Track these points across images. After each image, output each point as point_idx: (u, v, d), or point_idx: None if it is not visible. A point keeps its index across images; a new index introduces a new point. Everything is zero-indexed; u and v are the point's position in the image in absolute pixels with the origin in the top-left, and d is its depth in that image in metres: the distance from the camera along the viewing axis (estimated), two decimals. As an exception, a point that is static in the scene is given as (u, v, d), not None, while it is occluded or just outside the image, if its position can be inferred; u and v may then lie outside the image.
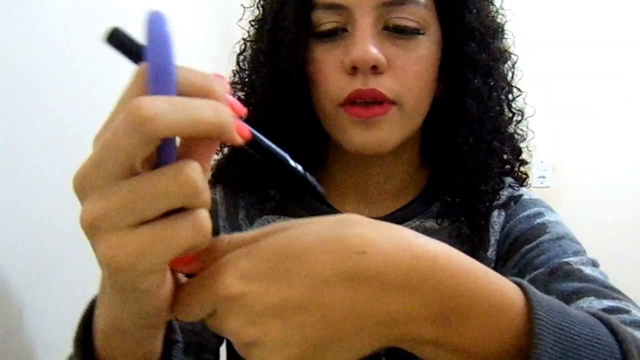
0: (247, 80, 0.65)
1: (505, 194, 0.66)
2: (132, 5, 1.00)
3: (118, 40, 0.29)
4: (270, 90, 0.61)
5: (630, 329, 0.37)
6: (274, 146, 0.32)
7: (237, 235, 0.33)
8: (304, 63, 0.58)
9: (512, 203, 0.66)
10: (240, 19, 0.67)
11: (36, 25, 0.71)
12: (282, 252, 0.30)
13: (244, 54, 0.67)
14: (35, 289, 0.66)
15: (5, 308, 0.62)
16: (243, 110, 0.31)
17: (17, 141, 0.65)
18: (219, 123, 0.27)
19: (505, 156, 0.64)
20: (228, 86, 0.31)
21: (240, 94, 0.66)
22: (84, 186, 0.27)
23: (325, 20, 0.57)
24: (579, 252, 0.57)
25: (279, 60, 0.59)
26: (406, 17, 0.56)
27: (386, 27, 0.56)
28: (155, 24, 0.27)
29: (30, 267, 0.65)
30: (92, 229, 0.27)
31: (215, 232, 0.66)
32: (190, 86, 0.28)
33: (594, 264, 0.55)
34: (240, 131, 0.29)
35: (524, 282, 0.34)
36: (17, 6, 0.68)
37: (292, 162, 0.33)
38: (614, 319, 0.34)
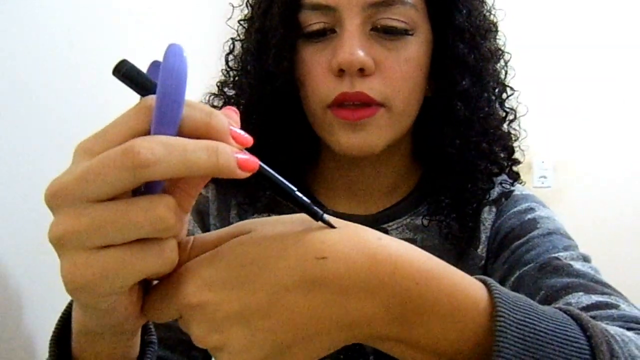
0: (236, 79, 0.65)
1: (496, 190, 0.66)
2: (132, 6, 1.01)
3: (125, 73, 0.30)
4: (259, 91, 0.61)
5: (616, 324, 0.37)
6: (280, 177, 0.32)
7: (201, 237, 0.34)
8: (292, 64, 0.58)
9: (503, 199, 0.65)
10: (229, 18, 0.67)
11: (36, 26, 0.72)
12: (243, 259, 0.31)
13: (233, 53, 0.67)
14: (35, 288, 0.67)
15: (5, 307, 0.63)
16: (249, 141, 0.30)
17: (17, 141, 0.66)
18: (214, 166, 0.28)
19: (495, 156, 0.64)
20: (237, 117, 0.31)
21: (231, 93, 0.66)
22: (58, 199, 0.27)
23: (313, 21, 0.57)
24: (570, 247, 0.57)
25: (267, 61, 0.59)
26: (395, 17, 0.56)
27: (374, 28, 0.56)
28: (173, 58, 0.27)
29: (30, 267, 0.66)
30: (59, 244, 0.28)
31: (206, 230, 0.67)
32: (192, 123, 0.28)
33: (585, 259, 0.55)
34: (245, 165, 0.29)
35: (489, 279, 0.34)
36: (17, 6, 0.69)
37: (298, 193, 0.32)
38: (584, 314, 0.34)
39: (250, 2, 0.65)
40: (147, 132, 0.28)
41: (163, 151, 0.26)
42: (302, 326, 0.31)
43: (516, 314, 0.31)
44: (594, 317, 0.35)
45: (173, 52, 0.28)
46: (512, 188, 0.67)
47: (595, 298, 0.46)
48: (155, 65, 0.31)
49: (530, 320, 0.31)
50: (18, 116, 0.67)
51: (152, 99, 0.28)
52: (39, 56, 0.72)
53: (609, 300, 0.46)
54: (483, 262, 0.64)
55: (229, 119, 0.31)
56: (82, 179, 0.27)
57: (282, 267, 0.31)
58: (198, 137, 0.28)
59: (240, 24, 0.66)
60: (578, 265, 0.53)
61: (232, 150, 0.28)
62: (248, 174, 0.29)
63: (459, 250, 0.64)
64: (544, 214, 0.62)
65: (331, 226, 0.33)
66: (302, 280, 0.30)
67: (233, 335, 0.30)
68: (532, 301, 0.34)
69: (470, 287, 0.33)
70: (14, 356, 0.64)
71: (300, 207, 0.33)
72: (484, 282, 0.34)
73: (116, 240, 0.27)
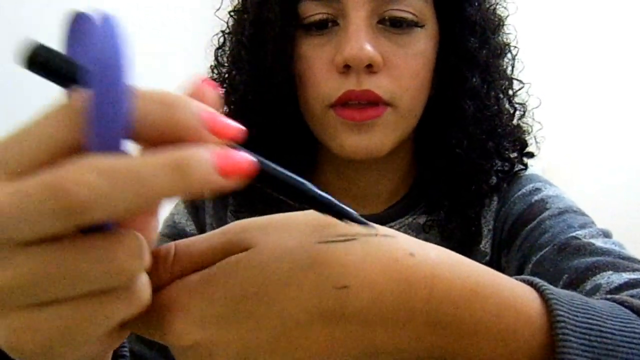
0: (227, 76, 0.61)
1: (494, 178, 0.61)
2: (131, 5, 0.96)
3: (44, 63, 0.20)
4: (253, 88, 0.56)
5: None
6: (289, 174, 0.25)
7: (184, 245, 0.27)
8: (291, 60, 0.54)
9: (504, 185, 0.61)
10: (218, 9, 0.62)
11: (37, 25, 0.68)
12: (243, 290, 0.25)
13: (223, 47, 0.62)
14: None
15: None
16: (238, 132, 0.22)
17: None
18: (184, 189, 0.20)
19: (504, 153, 0.61)
20: (214, 94, 0.23)
21: (220, 91, 0.61)
22: None
23: (315, 12, 0.52)
24: (587, 224, 0.52)
25: (263, 56, 0.55)
26: (403, 9, 0.52)
27: (381, 21, 0.52)
28: (103, 34, 0.19)
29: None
30: None
31: (201, 228, 0.62)
32: (149, 123, 0.20)
33: (606, 235, 0.51)
34: (231, 170, 0.21)
35: (538, 280, 0.29)
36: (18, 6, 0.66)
37: (315, 190, 0.25)
38: None
39: None
40: (80, 146, 0.20)
41: (106, 185, 0.18)
42: (317, 359, 0.26)
43: (577, 316, 0.27)
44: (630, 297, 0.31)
45: (100, 29, 0.19)
46: (511, 172, 0.62)
47: (627, 276, 0.42)
48: (77, 29, 0.22)
49: (595, 322, 0.27)
50: (18, 117, 0.63)
51: (80, 97, 0.20)
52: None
53: None
54: (487, 257, 0.60)
55: (203, 101, 0.22)
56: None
57: (292, 299, 0.25)
58: (160, 141, 0.21)
59: (231, 16, 0.61)
60: (599, 242, 0.48)
61: (209, 157, 0.20)
62: (238, 183, 0.21)
63: (462, 249, 0.60)
64: (552, 193, 0.58)
65: (365, 223, 0.27)
66: (318, 313, 0.25)
67: None
68: (586, 298, 0.30)
69: (521, 299, 0.28)
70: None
71: (322, 208, 0.26)
72: (533, 285, 0.29)
73: (64, 295, 0.21)
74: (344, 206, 0.26)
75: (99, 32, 0.19)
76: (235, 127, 0.22)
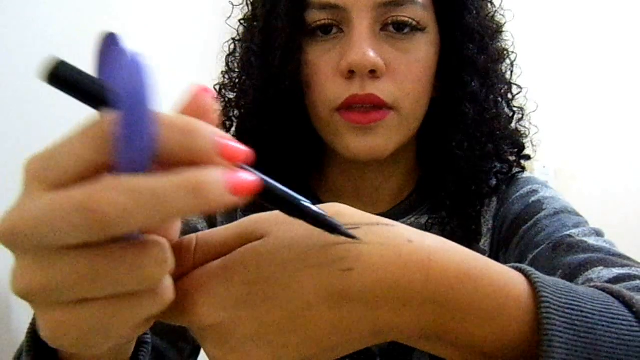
0: (237, 81, 0.63)
1: (493, 179, 0.64)
2: (129, 4, 0.99)
3: (65, 79, 0.22)
4: (262, 93, 0.59)
5: None
6: (288, 191, 0.27)
7: (205, 237, 0.30)
8: (298, 66, 0.56)
9: (503, 186, 0.64)
10: (229, 17, 0.65)
11: (37, 28, 0.71)
12: (258, 274, 0.28)
13: (234, 54, 0.65)
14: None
15: (4, 310, 0.61)
16: (245, 155, 0.24)
17: (17, 143, 0.64)
18: (198, 207, 0.22)
19: (503, 156, 0.63)
20: (211, 100, 0.25)
21: (231, 95, 0.64)
22: (15, 241, 0.22)
23: (320, 19, 0.55)
24: (580, 223, 0.56)
25: (272, 62, 0.57)
26: (405, 15, 0.55)
27: (384, 28, 0.55)
28: (127, 67, 0.21)
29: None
30: (28, 299, 0.23)
31: (212, 226, 0.64)
32: (169, 148, 0.22)
33: (598, 234, 0.54)
34: (239, 189, 0.23)
35: (526, 267, 0.32)
36: (19, 7, 0.68)
37: (308, 204, 0.28)
38: (625, 290, 0.32)
39: (251, 0, 0.63)
40: (109, 165, 0.22)
41: (129, 202, 0.21)
42: (325, 339, 0.29)
43: (560, 298, 0.30)
44: None
45: (128, 60, 0.21)
46: (510, 174, 0.65)
47: (616, 271, 0.45)
48: (109, 49, 0.23)
49: (576, 303, 0.30)
50: (18, 118, 0.65)
51: (108, 122, 0.22)
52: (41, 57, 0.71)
53: (630, 272, 0.44)
54: (486, 255, 0.62)
55: (202, 110, 0.24)
56: (36, 224, 0.22)
57: (303, 282, 0.28)
58: (178, 163, 0.23)
59: (241, 24, 0.64)
60: (592, 240, 0.51)
61: (220, 178, 0.22)
62: (245, 199, 0.23)
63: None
64: (548, 194, 0.61)
65: (352, 237, 0.29)
66: (326, 295, 0.28)
67: (252, 355, 0.28)
68: (570, 283, 0.32)
69: (510, 282, 0.31)
70: (1, 355, 0.62)
71: (316, 223, 0.28)
72: (521, 271, 0.32)
73: (97, 296, 0.23)
74: (334, 220, 0.28)
75: (127, 63, 0.21)
76: (243, 151, 0.24)
